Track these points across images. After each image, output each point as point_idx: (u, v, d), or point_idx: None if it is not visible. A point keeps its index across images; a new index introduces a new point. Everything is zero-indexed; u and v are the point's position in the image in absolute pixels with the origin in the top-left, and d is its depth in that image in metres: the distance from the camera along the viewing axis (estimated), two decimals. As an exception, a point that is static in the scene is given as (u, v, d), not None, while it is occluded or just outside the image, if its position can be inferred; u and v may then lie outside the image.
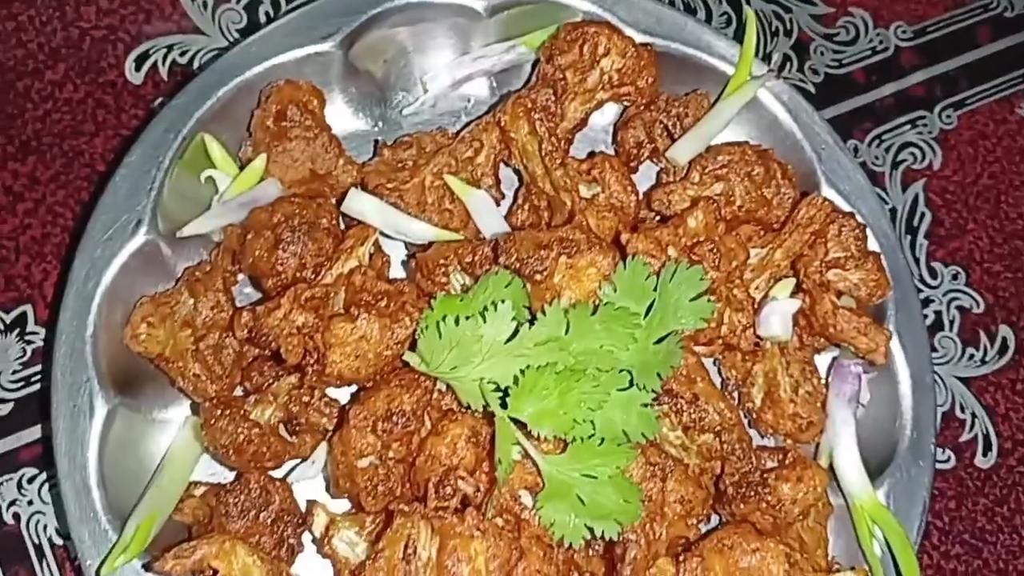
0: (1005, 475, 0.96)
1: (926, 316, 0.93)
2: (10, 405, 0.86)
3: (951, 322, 1.00)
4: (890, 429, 0.84)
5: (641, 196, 0.87)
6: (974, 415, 0.97)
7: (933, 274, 1.01)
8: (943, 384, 0.97)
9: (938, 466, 0.91)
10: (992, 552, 0.94)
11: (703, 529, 0.79)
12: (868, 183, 0.89)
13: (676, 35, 0.89)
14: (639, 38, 0.88)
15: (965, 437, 0.96)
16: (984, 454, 0.96)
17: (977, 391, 0.98)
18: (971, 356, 0.99)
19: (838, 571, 0.80)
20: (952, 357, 0.99)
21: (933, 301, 1.00)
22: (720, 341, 0.82)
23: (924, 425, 0.84)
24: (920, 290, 0.98)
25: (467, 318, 0.74)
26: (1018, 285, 1.02)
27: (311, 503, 0.77)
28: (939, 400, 0.92)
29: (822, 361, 0.87)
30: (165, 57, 0.94)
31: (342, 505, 0.78)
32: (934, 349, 0.97)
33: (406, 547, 0.70)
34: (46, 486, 0.85)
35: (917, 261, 1.01)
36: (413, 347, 0.76)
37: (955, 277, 1.02)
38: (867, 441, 0.83)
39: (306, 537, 0.78)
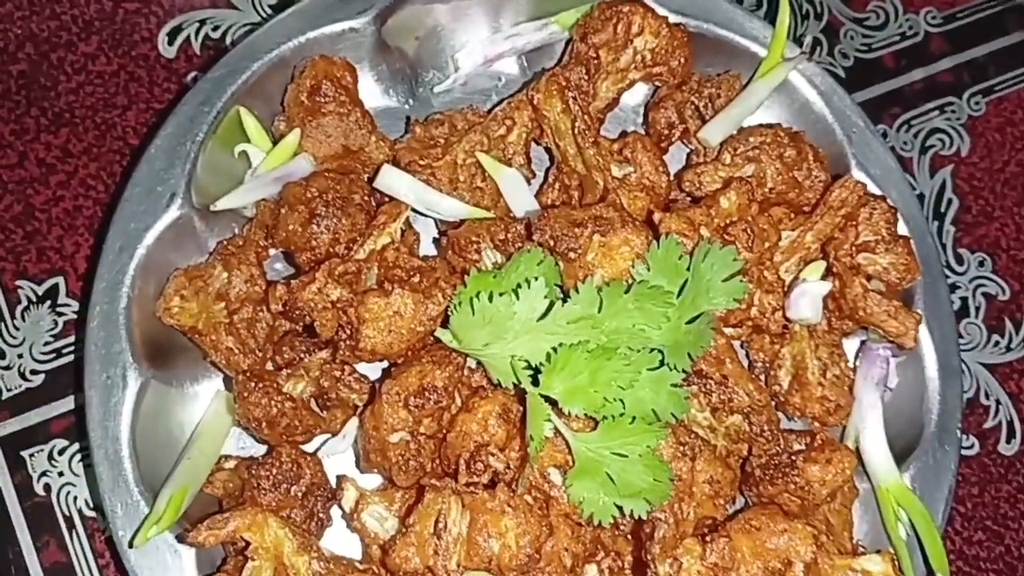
0: (1028, 463, 0.96)
1: (952, 302, 0.93)
2: (41, 376, 0.87)
3: (977, 308, 1.00)
4: (916, 414, 0.84)
5: (672, 177, 0.87)
6: (998, 402, 0.97)
7: (960, 260, 1.01)
8: (968, 370, 0.97)
9: (962, 452, 0.91)
10: (1014, 539, 0.94)
11: (730, 510, 0.80)
12: (899, 167, 0.89)
13: (709, 16, 0.89)
14: (672, 18, 0.87)
15: (989, 424, 0.96)
16: (1008, 441, 0.96)
17: (1002, 378, 0.98)
18: (996, 343, 0.99)
19: (863, 554, 0.80)
20: (977, 344, 0.99)
21: (959, 287, 1.00)
22: (749, 323, 0.82)
23: (950, 410, 0.84)
24: (946, 276, 0.98)
25: (500, 295, 0.74)
26: (1045, 273, 1.02)
27: (341, 477, 0.78)
28: (964, 386, 0.92)
29: (850, 345, 0.87)
30: (198, 31, 0.94)
31: (372, 480, 0.79)
32: (960, 335, 0.97)
33: (437, 522, 0.71)
34: (77, 457, 0.86)
35: (944, 247, 1.01)
36: (445, 324, 0.77)
37: (981, 264, 1.01)
38: (893, 425, 0.84)
39: (336, 511, 0.78)
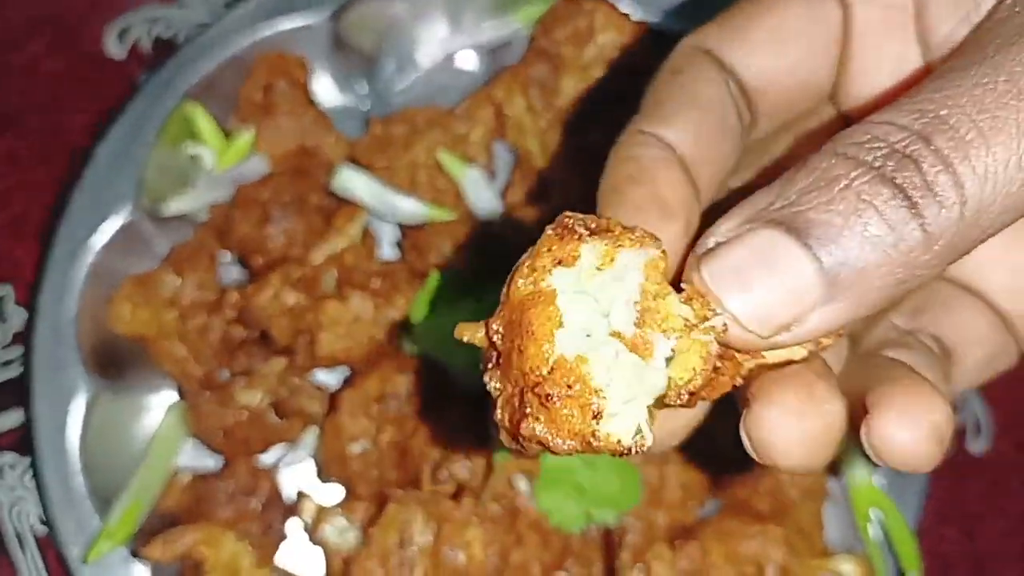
0: (997, 459, 0.95)
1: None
2: (-12, 389, 0.84)
3: (945, 305, 0.99)
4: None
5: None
6: (965, 399, 0.96)
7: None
8: (938, 367, 0.97)
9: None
10: (985, 536, 0.93)
11: (700, 514, 0.79)
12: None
13: (673, 11, 0.88)
14: (637, 14, 0.86)
15: (957, 421, 0.96)
16: (976, 438, 0.96)
17: (971, 374, 0.97)
18: (965, 339, 0.99)
19: (835, 555, 0.80)
20: (946, 340, 0.98)
21: (928, 283, 1.00)
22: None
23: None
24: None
25: (462, 297, 0.73)
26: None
27: (300, 490, 0.76)
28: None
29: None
30: (149, 31, 0.91)
31: (334, 490, 0.77)
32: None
33: (400, 533, 0.69)
34: (28, 472, 0.83)
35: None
36: (407, 328, 0.75)
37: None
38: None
39: (297, 524, 0.76)
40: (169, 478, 0.76)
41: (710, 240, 0.39)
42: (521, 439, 0.38)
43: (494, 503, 0.71)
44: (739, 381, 0.40)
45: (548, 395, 0.36)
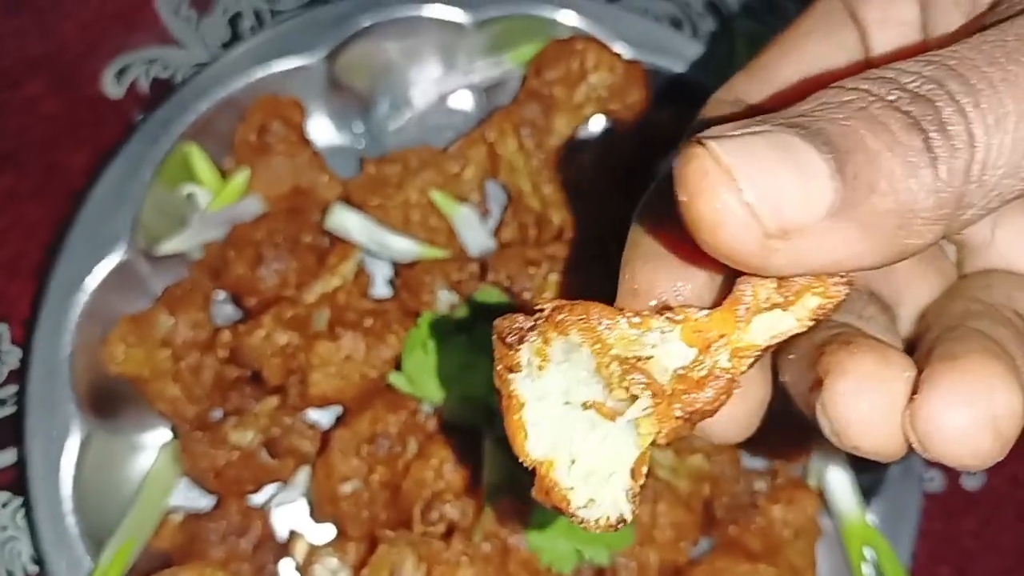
0: (991, 495, 0.95)
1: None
2: (-17, 427, 0.84)
3: (938, 340, 1.00)
4: (880, 450, 0.83)
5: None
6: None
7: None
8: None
9: (925, 487, 0.91)
10: (979, 573, 0.93)
11: (693, 553, 0.79)
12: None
13: (664, 51, 0.89)
14: (627, 54, 0.87)
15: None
16: (970, 475, 0.96)
17: (965, 410, 0.97)
18: (958, 375, 0.98)
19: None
20: (940, 376, 0.98)
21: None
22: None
23: (913, 445, 0.83)
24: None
25: (454, 337, 0.73)
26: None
27: (292, 530, 0.76)
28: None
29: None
30: (147, 71, 0.92)
31: (326, 530, 0.77)
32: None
33: (391, 574, 0.69)
34: (21, 511, 0.83)
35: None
36: (399, 367, 0.75)
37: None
38: (856, 463, 0.83)
39: (289, 564, 0.76)
40: (162, 517, 0.76)
41: (713, 131, 0.34)
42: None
43: (485, 542, 0.71)
44: (737, 385, 0.38)
45: (540, 503, 0.39)
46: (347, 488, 0.72)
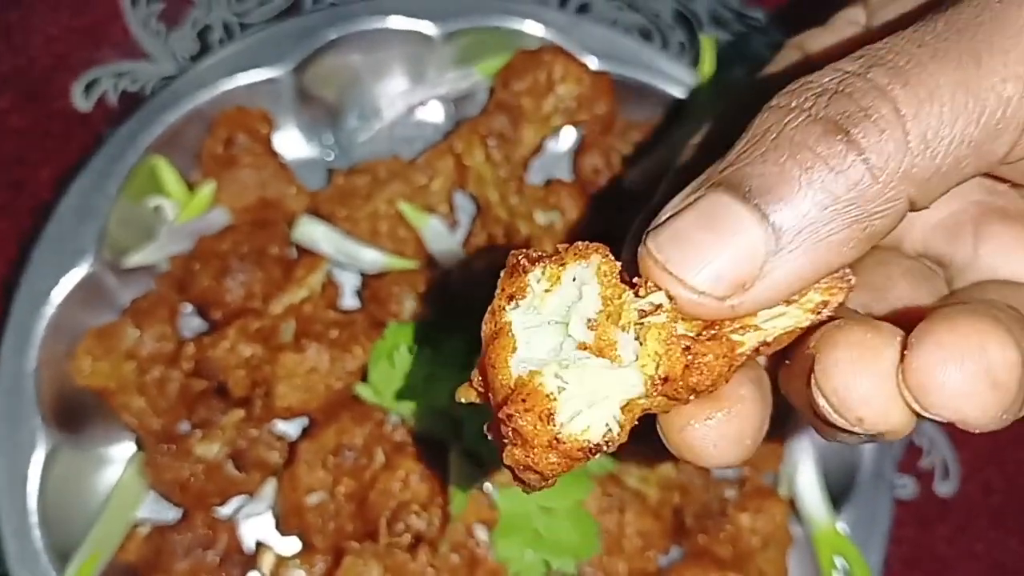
0: (965, 502, 0.95)
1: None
2: (-50, 441, 0.83)
3: (910, 348, 1.00)
4: (850, 457, 0.83)
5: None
6: (932, 441, 0.96)
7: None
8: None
9: (898, 494, 0.91)
10: (954, 580, 0.93)
11: (662, 562, 0.78)
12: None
13: (632, 62, 0.89)
14: (595, 65, 0.87)
15: (923, 463, 0.96)
16: (943, 480, 0.96)
17: (937, 417, 0.97)
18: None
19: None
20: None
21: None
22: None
23: (884, 452, 0.83)
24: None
25: (421, 348, 0.73)
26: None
27: (259, 542, 0.75)
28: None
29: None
30: (116, 85, 0.92)
31: (293, 543, 0.76)
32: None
33: (357, 585, 0.69)
34: (-15, 525, 0.82)
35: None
36: (365, 378, 0.75)
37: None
38: (827, 470, 0.83)
39: (256, 576, 0.76)
40: (128, 530, 0.75)
41: (661, 216, 0.37)
42: (515, 473, 0.38)
43: (453, 553, 0.71)
44: (738, 361, 0.38)
45: (510, 415, 0.37)
46: (313, 500, 0.71)
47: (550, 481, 0.38)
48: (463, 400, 0.40)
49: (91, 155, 0.81)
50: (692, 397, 0.38)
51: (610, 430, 0.37)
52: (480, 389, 0.40)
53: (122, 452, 0.79)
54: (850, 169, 0.35)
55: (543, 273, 0.38)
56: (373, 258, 0.81)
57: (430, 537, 0.71)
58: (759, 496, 0.79)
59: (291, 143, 0.88)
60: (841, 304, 0.38)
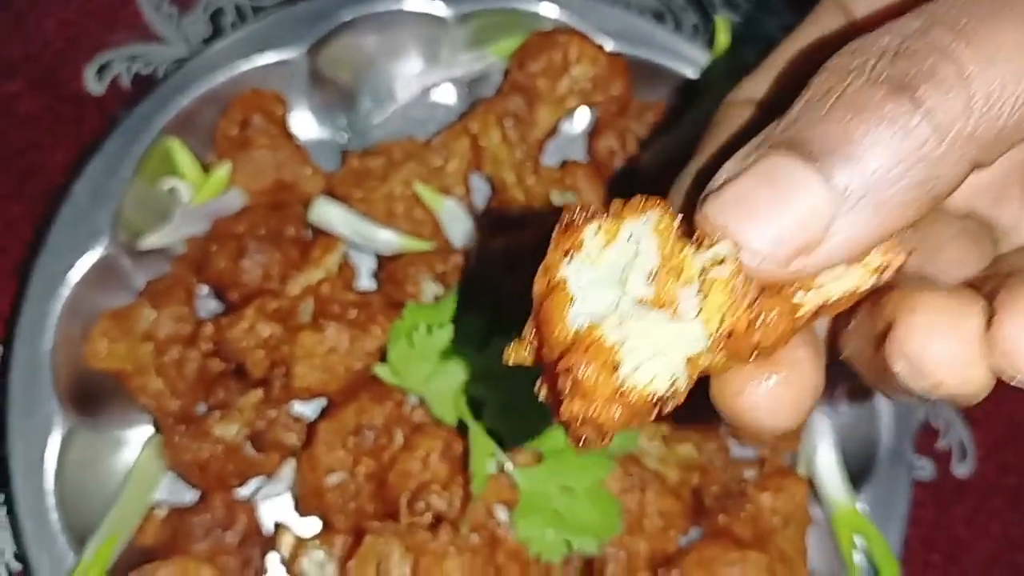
0: (981, 483, 0.95)
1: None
2: (-35, 426, 0.83)
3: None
4: (869, 438, 0.83)
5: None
6: (949, 423, 0.96)
7: (907, 282, 1.01)
8: (919, 392, 0.96)
9: (916, 475, 0.90)
10: (970, 560, 0.93)
11: (682, 541, 0.78)
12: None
13: (647, 43, 0.89)
14: (610, 46, 0.87)
15: (941, 445, 0.95)
16: (960, 461, 0.95)
17: (953, 399, 0.97)
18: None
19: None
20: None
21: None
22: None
23: (902, 433, 0.83)
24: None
25: (439, 328, 0.73)
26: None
27: (278, 523, 0.75)
28: (915, 407, 0.91)
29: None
30: (129, 68, 0.92)
31: (312, 523, 0.76)
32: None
33: (378, 566, 0.68)
34: (3, 508, 0.82)
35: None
36: (384, 359, 0.75)
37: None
38: (846, 450, 0.83)
39: (275, 558, 0.76)
40: (146, 513, 0.75)
41: (718, 179, 0.37)
42: (571, 429, 0.37)
43: (473, 533, 0.70)
44: (800, 323, 0.37)
45: (569, 368, 0.36)
46: (333, 480, 0.71)
47: (607, 437, 0.37)
48: (512, 362, 0.40)
49: (105, 138, 0.81)
50: (754, 357, 0.37)
51: (675, 382, 0.37)
52: (533, 343, 0.39)
53: (139, 434, 0.79)
54: (916, 129, 0.34)
55: (599, 228, 0.38)
56: (389, 239, 0.80)
57: (451, 517, 0.71)
58: (779, 476, 0.78)
59: (305, 125, 0.88)
60: (900, 267, 0.38)
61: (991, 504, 0.94)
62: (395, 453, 0.73)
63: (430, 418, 0.74)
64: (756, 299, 0.36)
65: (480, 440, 0.71)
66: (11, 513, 0.76)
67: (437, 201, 0.82)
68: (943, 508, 0.93)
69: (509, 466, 0.71)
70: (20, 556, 0.81)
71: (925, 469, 0.93)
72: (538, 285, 0.38)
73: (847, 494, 0.80)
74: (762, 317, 0.36)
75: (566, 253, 0.37)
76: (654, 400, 0.36)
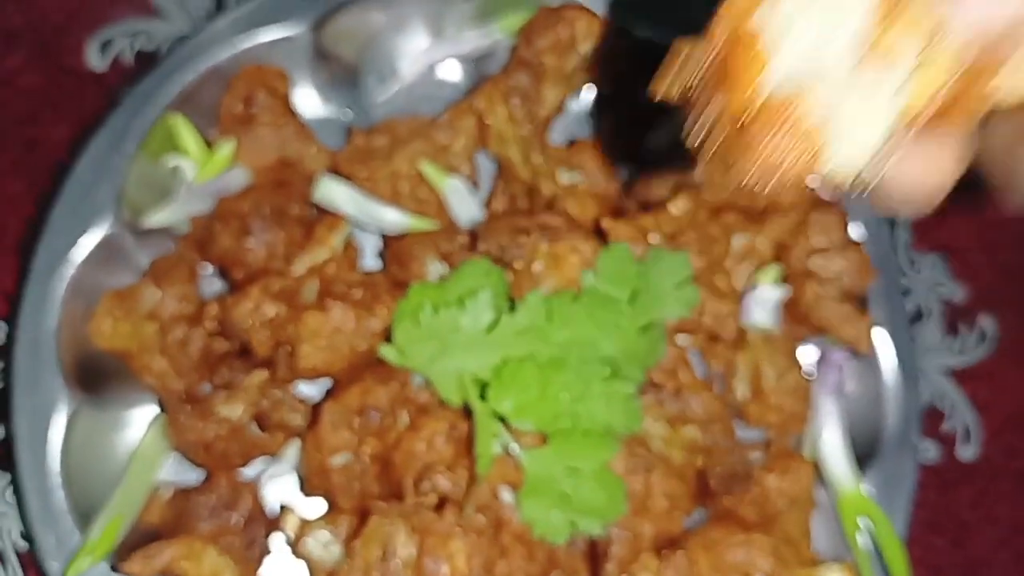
0: (987, 466, 0.95)
1: (907, 305, 0.91)
2: (-32, 404, 0.83)
3: (931, 311, 0.99)
4: (874, 420, 0.83)
5: (621, 184, 0.86)
6: (954, 406, 0.96)
7: (914, 263, 1.00)
8: (924, 375, 0.96)
9: (921, 458, 0.90)
10: (976, 544, 0.93)
11: (687, 523, 0.78)
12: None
13: (653, 19, 0.87)
14: (616, 22, 0.86)
15: (946, 428, 0.95)
16: (965, 445, 0.95)
17: (958, 381, 0.97)
18: (951, 346, 0.98)
19: (823, 564, 0.79)
20: (932, 347, 0.98)
21: (914, 291, 0.99)
22: (702, 332, 0.81)
23: (908, 416, 0.83)
24: (901, 278, 0.97)
25: (445, 308, 0.72)
26: (999, 275, 1.01)
27: (283, 503, 0.75)
28: (921, 391, 0.91)
29: (808, 352, 0.86)
30: (131, 44, 0.91)
31: (318, 504, 0.76)
32: (915, 339, 0.96)
33: (383, 546, 0.68)
34: (9, 488, 0.82)
35: (897, 249, 1.00)
36: (389, 339, 0.74)
37: (936, 266, 1.01)
38: (851, 432, 0.82)
39: (281, 538, 0.76)
40: (151, 492, 0.75)
41: None
42: (720, 160, 0.36)
43: (478, 514, 0.70)
44: (985, 106, 0.35)
45: (761, 139, 0.34)
46: (338, 461, 0.71)
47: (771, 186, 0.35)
48: (659, 97, 0.36)
49: (107, 114, 0.80)
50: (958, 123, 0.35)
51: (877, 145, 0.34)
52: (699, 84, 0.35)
53: (144, 414, 0.79)
54: None
55: None
56: (394, 218, 0.80)
57: (456, 498, 0.71)
58: (785, 458, 0.78)
59: (309, 103, 0.87)
60: None
61: (996, 487, 0.94)
62: (400, 434, 0.73)
63: (435, 399, 0.73)
64: (969, 63, 0.34)
65: (485, 421, 0.71)
66: (17, 492, 0.76)
67: (442, 180, 0.81)
68: (948, 491, 0.93)
69: (514, 447, 0.71)
70: (26, 535, 0.81)
71: (931, 452, 0.93)
72: (722, 25, 0.34)
73: (853, 477, 0.80)
74: (974, 82, 0.34)
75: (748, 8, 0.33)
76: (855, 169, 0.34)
